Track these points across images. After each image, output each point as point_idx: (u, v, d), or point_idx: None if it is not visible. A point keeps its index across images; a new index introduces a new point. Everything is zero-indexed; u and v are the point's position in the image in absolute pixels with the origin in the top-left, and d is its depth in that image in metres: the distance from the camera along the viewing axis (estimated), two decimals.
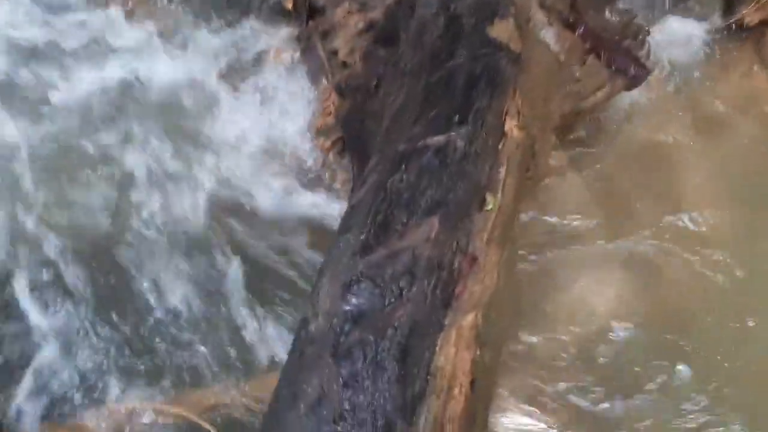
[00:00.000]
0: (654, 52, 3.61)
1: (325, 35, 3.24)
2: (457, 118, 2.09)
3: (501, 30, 2.30)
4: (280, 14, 3.81)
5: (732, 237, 3.06)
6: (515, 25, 2.38)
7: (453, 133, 2.05)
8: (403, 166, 2.01)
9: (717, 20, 3.79)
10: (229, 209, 3.10)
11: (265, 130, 3.30)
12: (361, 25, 3.04)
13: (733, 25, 3.82)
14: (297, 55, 3.59)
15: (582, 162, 3.38)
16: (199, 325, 2.72)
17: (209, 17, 3.79)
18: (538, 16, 2.92)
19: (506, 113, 2.21)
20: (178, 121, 3.40)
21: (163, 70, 3.51)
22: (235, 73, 3.54)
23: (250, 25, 3.76)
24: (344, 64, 3.02)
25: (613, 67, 3.00)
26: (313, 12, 3.46)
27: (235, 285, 2.82)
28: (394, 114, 2.37)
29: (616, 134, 3.52)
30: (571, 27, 3.02)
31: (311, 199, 3.08)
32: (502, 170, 2.14)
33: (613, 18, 3.20)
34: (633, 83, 3.08)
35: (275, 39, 3.76)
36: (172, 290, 2.80)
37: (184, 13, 3.82)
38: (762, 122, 3.60)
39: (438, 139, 2.03)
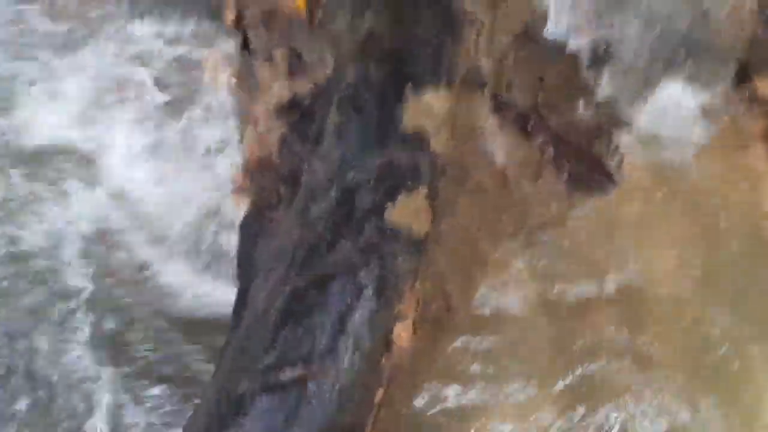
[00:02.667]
0: (648, 122, 3.13)
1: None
2: (323, 344, 1.74)
3: (403, 210, 1.88)
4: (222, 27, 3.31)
5: None
6: (426, 195, 1.94)
7: (315, 366, 1.72)
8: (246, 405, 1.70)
9: (726, 89, 3.23)
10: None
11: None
12: (285, 96, 2.57)
13: (747, 95, 3.26)
14: (233, 80, 3.14)
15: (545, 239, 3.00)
16: None
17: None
18: (489, 122, 2.45)
19: (395, 319, 1.86)
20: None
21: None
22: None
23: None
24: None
25: (575, 181, 2.56)
26: (247, 44, 2.96)
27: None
28: (273, 262, 2.04)
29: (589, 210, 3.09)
30: (528, 134, 2.54)
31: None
32: (380, 392, 1.83)
33: (590, 112, 2.67)
34: (597, 194, 2.64)
35: (215, 53, 3.29)
36: None
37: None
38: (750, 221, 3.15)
39: (291, 375, 1.70)
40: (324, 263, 1.82)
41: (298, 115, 2.40)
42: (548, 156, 2.50)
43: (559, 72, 2.62)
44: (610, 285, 2.71)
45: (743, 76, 3.23)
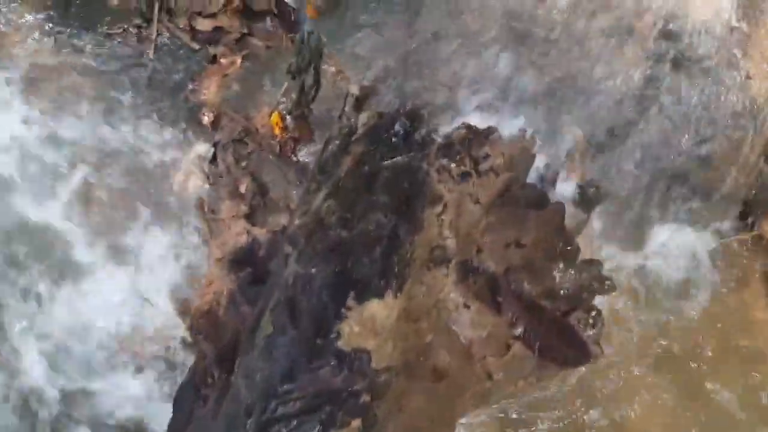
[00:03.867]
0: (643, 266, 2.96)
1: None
2: None
3: None
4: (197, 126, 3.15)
5: None
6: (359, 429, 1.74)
7: None
8: None
9: (727, 229, 3.02)
10: None
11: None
12: (242, 241, 2.39)
13: (750, 236, 3.06)
14: (207, 186, 2.97)
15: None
16: None
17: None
18: (453, 296, 2.25)
19: None
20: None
21: None
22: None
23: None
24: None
25: (547, 355, 2.36)
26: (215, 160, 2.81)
27: None
28: None
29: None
30: (498, 304, 2.34)
31: None
32: None
33: (570, 274, 2.47)
34: (570, 368, 2.44)
35: (188, 155, 3.12)
36: None
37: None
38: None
39: None
40: None
41: (250, 273, 2.23)
42: (519, 329, 2.30)
43: (538, 231, 2.42)
44: None
45: (746, 217, 3.03)
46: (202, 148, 3.05)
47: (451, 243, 2.12)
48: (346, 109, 2.18)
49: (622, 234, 2.93)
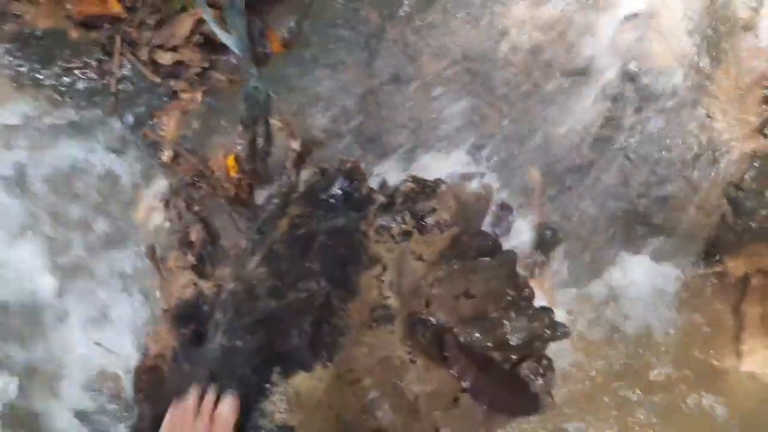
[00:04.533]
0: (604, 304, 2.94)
1: None
2: None
3: None
4: (158, 162, 3.13)
5: None
6: None
7: None
8: None
9: (689, 267, 2.99)
10: None
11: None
12: (187, 293, 2.38)
13: (715, 273, 3.03)
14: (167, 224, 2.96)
15: None
16: None
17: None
18: (398, 352, 2.24)
19: None
20: None
21: None
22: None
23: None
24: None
25: (495, 407, 2.34)
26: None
27: None
28: None
29: None
30: (445, 360, 2.33)
31: None
32: None
33: (522, 323, 2.45)
34: (520, 418, 2.42)
35: (150, 191, 3.11)
36: None
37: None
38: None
39: None
40: None
41: (193, 330, 2.21)
42: (467, 382, 2.29)
43: (490, 281, 2.41)
44: None
45: (710, 255, 3.00)
46: (164, 184, 3.04)
47: (393, 302, 2.10)
48: (288, 165, 2.15)
49: (581, 274, 2.91)
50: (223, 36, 2.88)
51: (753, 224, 2.82)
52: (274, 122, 2.62)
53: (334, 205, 2.05)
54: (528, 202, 2.81)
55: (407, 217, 2.14)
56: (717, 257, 2.93)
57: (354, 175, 2.10)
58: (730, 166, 2.79)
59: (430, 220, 2.21)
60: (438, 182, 2.29)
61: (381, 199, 2.13)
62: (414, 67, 2.85)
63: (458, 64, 2.81)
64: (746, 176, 2.79)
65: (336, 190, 2.05)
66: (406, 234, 2.13)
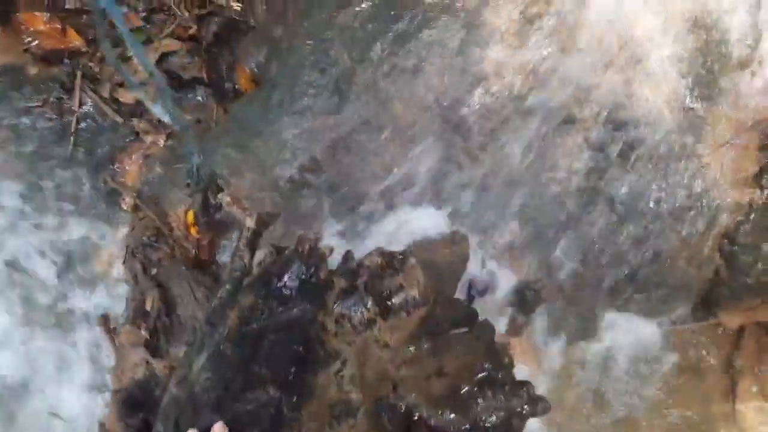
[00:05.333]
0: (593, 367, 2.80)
1: None
2: None
3: None
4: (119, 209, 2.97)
5: None
6: None
7: None
8: None
9: (680, 319, 2.84)
10: None
11: None
12: (139, 373, 2.22)
13: (708, 326, 2.88)
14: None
15: None
16: None
17: None
18: None
19: None
20: None
21: None
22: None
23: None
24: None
25: None
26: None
27: None
28: None
29: None
30: None
31: None
32: None
33: (498, 401, 2.29)
34: None
35: (112, 240, 2.94)
36: None
37: None
38: None
39: None
40: None
41: (141, 420, 2.06)
42: None
43: (464, 356, 2.25)
44: None
45: (703, 308, 2.84)
46: (125, 232, 2.88)
47: (355, 395, 1.94)
48: (241, 246, 1.98)
49: (565, 334, 2.75)
50: (158, 112, 2.73)
51: (749, 280, 2.64)
52: (224, 198, 2.44)
53: (288, 296, 1.87)
54: (507, 259, 2.64)
55: (370, 304, 1.97)
56: (710, 310, 2.78)
57: (312, 259, 1.93)
58: (724, 219, 2.61)
59: (397, 300, 2.04)
60: (406, 255, 2.12)
61: (342, 284, 1.96)
62: (386, 113, 2.66)
63: (432, 110, 2.62)
64: (741, 229, 2.62)
65: (291, 279, 1.87)
66: (370, 322, 1.97)
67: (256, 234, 2.04)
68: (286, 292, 1.86)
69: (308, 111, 2.72)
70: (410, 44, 2.61)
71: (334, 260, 2.24)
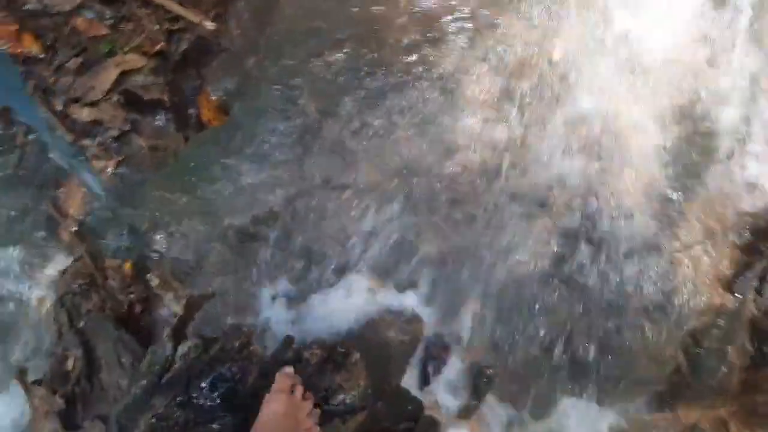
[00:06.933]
0: None
1: None
2: None
3: None
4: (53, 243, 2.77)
5: None
6: None
7: None
8: None
9: (638, 409, 2.73)
10: None
11: None
12: (52, 427, 2.07)
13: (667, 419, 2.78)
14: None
15: None
16: None
17: None
18: None
19: None
20: None
21: None
22: None
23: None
24: None
25: None
26: None
27: None
28: None
29: None
30: None
31: None
32: None
33: None
34: None
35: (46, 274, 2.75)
36: None
37: None
38: None
39: None
40: None
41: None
42: None
43: None
44: None
45: (661, 400, 2.73)
46: (61, 266, 2.70)
47: None
48: (166, 334, 1.81)
49: (519, 416, 2.63)
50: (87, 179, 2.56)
51: (712, 382, 2.54)
52: (153, 279, 2.25)
53: (209, 408, 1.70)
54: (465, 340, 2.51)
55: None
56: (668, 403, 2.67)
57: (241, 360, 1.77)
58: (692, 321, 2.49)
59: (335, 402, 1.90)
60: (349, 349, 1.97)
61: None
62: (350, 173, 2.50)
63: (398, 176, 2.47)
64: (709, 333, 2.50)
65: (215, 386, 1.71)
66: None
67: (183, 321, 1.88)
68: (208, 402, 1.69)
69: (269, 159, 2.55)
70: (382, 104, 2.45)
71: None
